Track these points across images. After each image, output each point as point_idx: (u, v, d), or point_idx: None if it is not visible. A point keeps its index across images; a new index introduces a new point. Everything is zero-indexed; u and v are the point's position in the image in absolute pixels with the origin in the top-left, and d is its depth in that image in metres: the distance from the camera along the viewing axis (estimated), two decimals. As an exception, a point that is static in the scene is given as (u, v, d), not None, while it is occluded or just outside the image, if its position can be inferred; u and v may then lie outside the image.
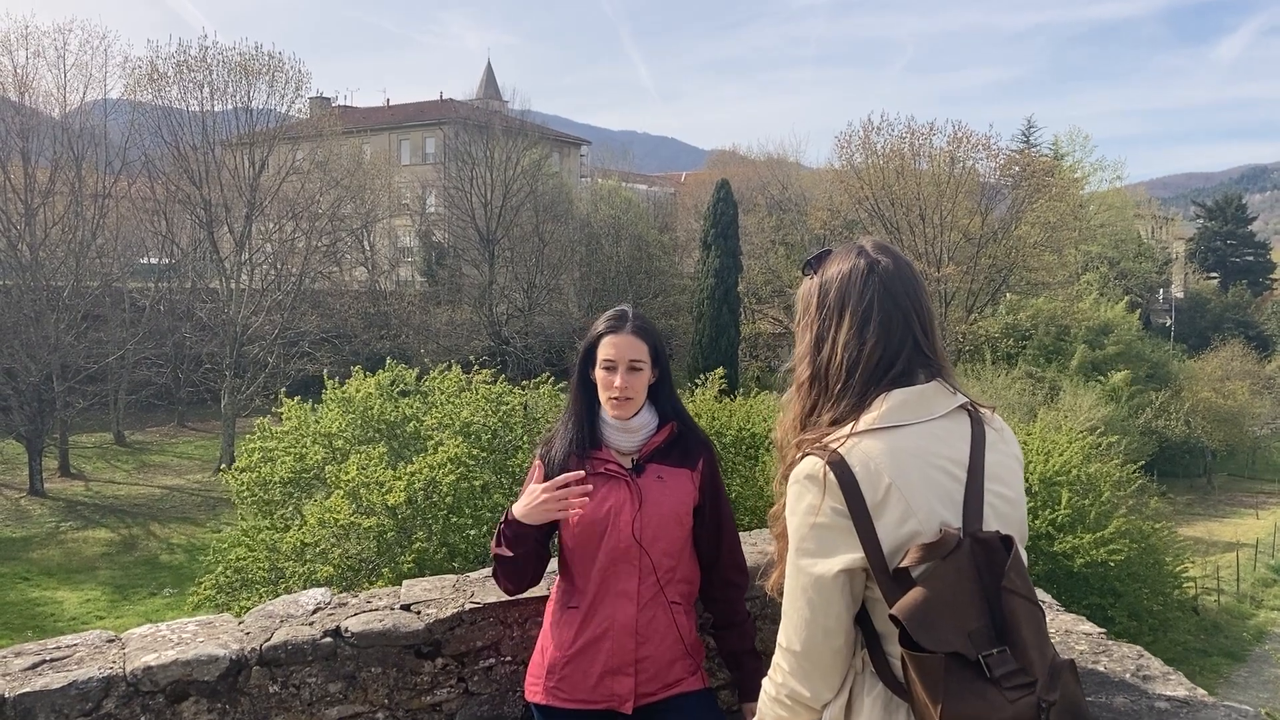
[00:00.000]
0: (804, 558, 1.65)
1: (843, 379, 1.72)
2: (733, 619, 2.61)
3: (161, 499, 30.69)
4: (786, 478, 1.75)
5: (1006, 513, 1.69)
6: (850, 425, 1.67)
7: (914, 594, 1.54)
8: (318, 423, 15.30)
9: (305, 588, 13.12)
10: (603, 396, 2.53)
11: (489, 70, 72.12)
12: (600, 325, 2.58)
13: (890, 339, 1.72)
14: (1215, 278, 75.40)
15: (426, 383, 16.86)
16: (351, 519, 12.83)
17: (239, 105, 37.94)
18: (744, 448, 17.33)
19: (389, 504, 12.86)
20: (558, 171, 52.78)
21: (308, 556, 13.23)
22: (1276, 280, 79.32)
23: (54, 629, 20.56)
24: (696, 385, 19.27)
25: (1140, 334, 44.73)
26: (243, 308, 35.03)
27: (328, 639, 2.39)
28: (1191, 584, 21.50)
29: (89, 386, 33.09)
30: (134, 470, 33.77)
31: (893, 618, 1.54)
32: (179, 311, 37.03)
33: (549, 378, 16.99)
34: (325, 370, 19.00)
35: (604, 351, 2.52)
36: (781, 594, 1.74)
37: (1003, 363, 35.64)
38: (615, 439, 2.54)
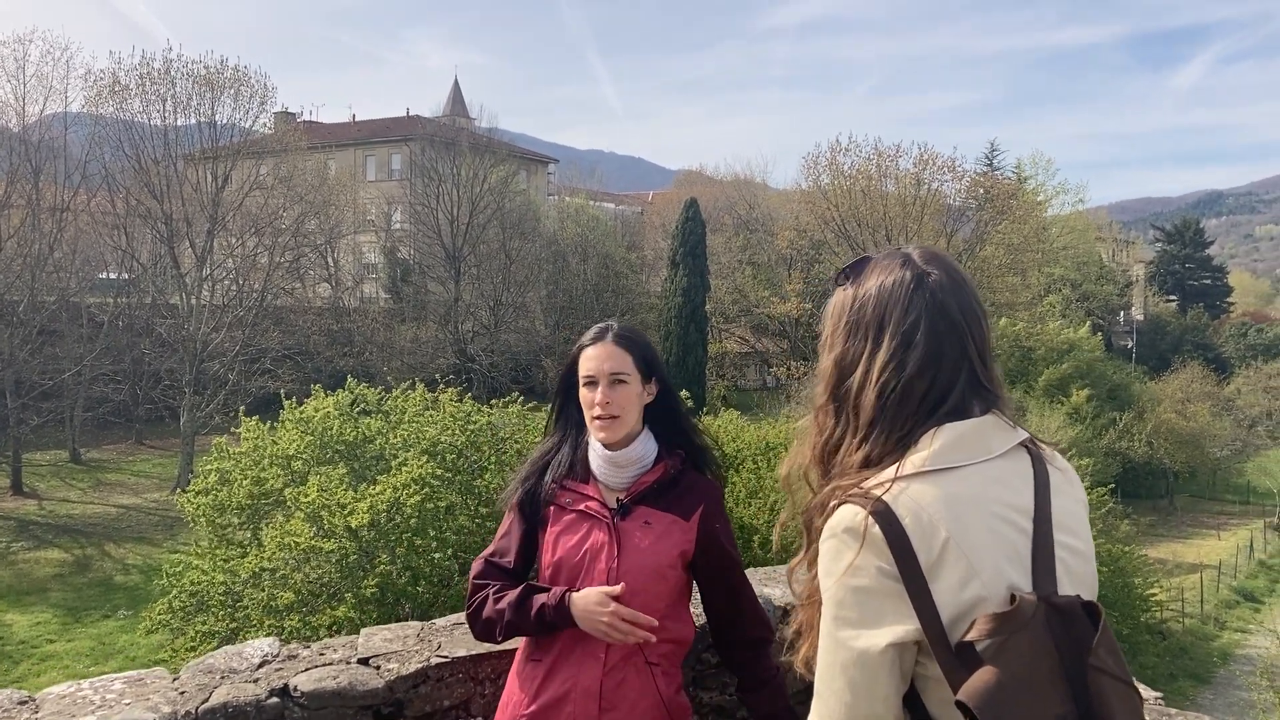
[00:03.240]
0: (844, 628, 1.37)
1: (874, 409, 1.46)
2: (762, 678, 2.31)
3: (117, 518, 29.96)
4: (810, 524, 1.49)
5: (1078, 570, 1.42)
6: (894, 467, 1.40)
7: (984, 675, 1.26)
8: (275, 444, 14.92)
9: (265, 613, 12.76)
10: (588, 418, 2.25)
11: (456, 87, 71.81)
12: (582, 340, 2.32)
13: (941, 366, 1.45)
14: (1174, 300, 76.40)
15: (390, 401, 16.53)
16: (312, 542, 12.46)
17: (202, 119, 37.39)
18: (713, 469, 17.13)
19: (351, 526, 12.51)
20: (525, 189, 52.50)
21: (266, 582, 12.85)
22: (1233, 303, 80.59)
23: (2, 653, 19.94)
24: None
25: (1103, 356, 45.09)
26: (203, 324, 34.39)
27: (274, 699, 2.12)
28: (1159, 607, 21.51)
29: (44, 403, 32.33)
30: (89, 489, 32.98)
31: (960, 704, 1.26)
32: (138, 327, 36.32)
33: (518, 396, 16.70)
34: (284, 389, 18.58)
35: (583, 366, 2.26)
36: (812, 671, 1.47)
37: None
38: (604, 474, 2.26)
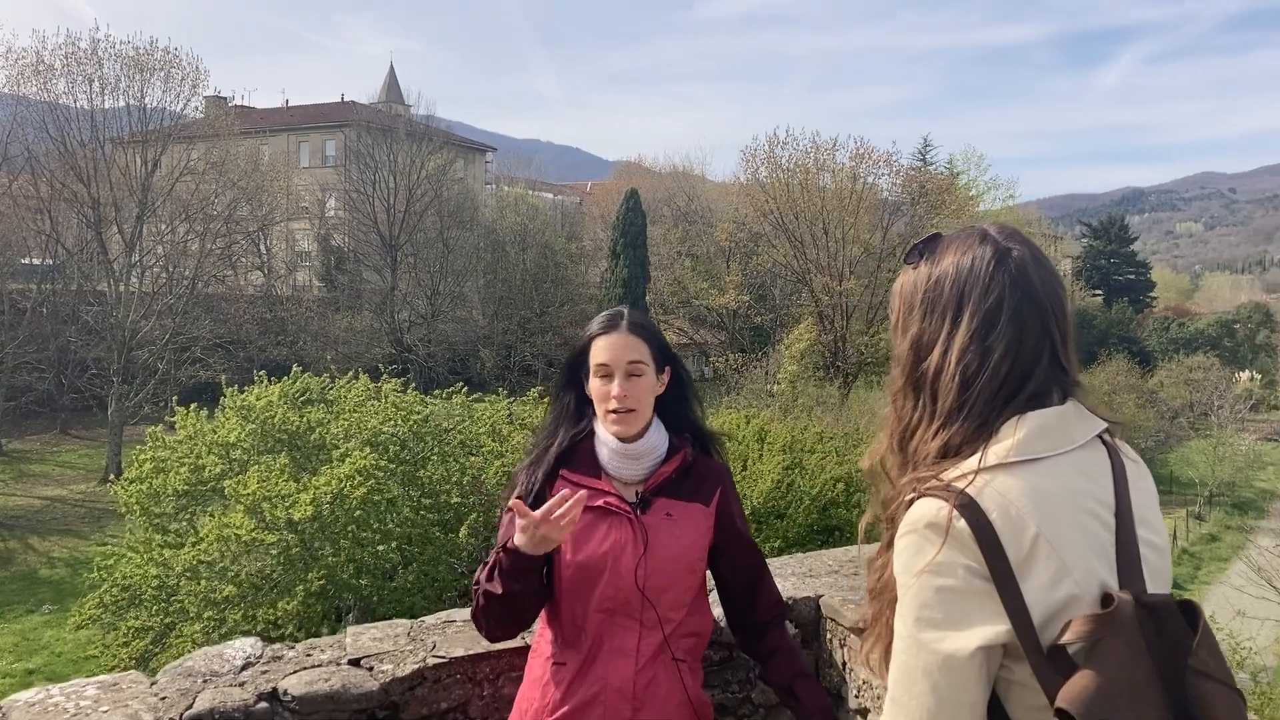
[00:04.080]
0: (928, 630, 1.28)
1: (955, 394, 1.36)
2: (778, 646, 2.25)
3: (42, 510, 29.09)
4: (892, 515, 1.40)
5: (1157, 566, 1.35)
6: (977, 457, 1.32)
7: (1083, 679, 1.18)
8: (214, 432, 14.58)
9: (203, 606, 12.46)
10: (600, 411, 2.15)
11: (391, 74, 70.81)
12: (591, 327, 2.21)
13: (1024, 349, 1.36)
14: (1100, 295, 78.05)
15: (332, 391, 16.26)
16: (253, 535, 12.18)
17: (132, 102, 36.39)
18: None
19: (294, 519, 12.26)
20: (462, 177, 51.98)
21: (204, 575, 12.55)
22: (1156, 298, 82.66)
23: (-81, 652, 19.23)
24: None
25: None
26: (132, 311, 33.51)
27: (263, 704, 1.99)
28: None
29: (-38, 392, 31.35)
30: (12, 480, 31.96)
31: (1060, 711, 1.19)
32: (63, 314, 35.29)
33: (461, 387, 16.52)
34: (223, 377, 18.19)
35: (597, 355, 2.14)
36: (876, 668, 1.40)
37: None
38: (616, 466, 2.14)
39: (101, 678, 2.04)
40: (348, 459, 13.31)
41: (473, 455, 15.09)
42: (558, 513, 1.91)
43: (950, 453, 1.36)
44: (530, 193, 54.38)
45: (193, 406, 15.11)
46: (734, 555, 2.22)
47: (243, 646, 2.19)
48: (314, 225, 48.93)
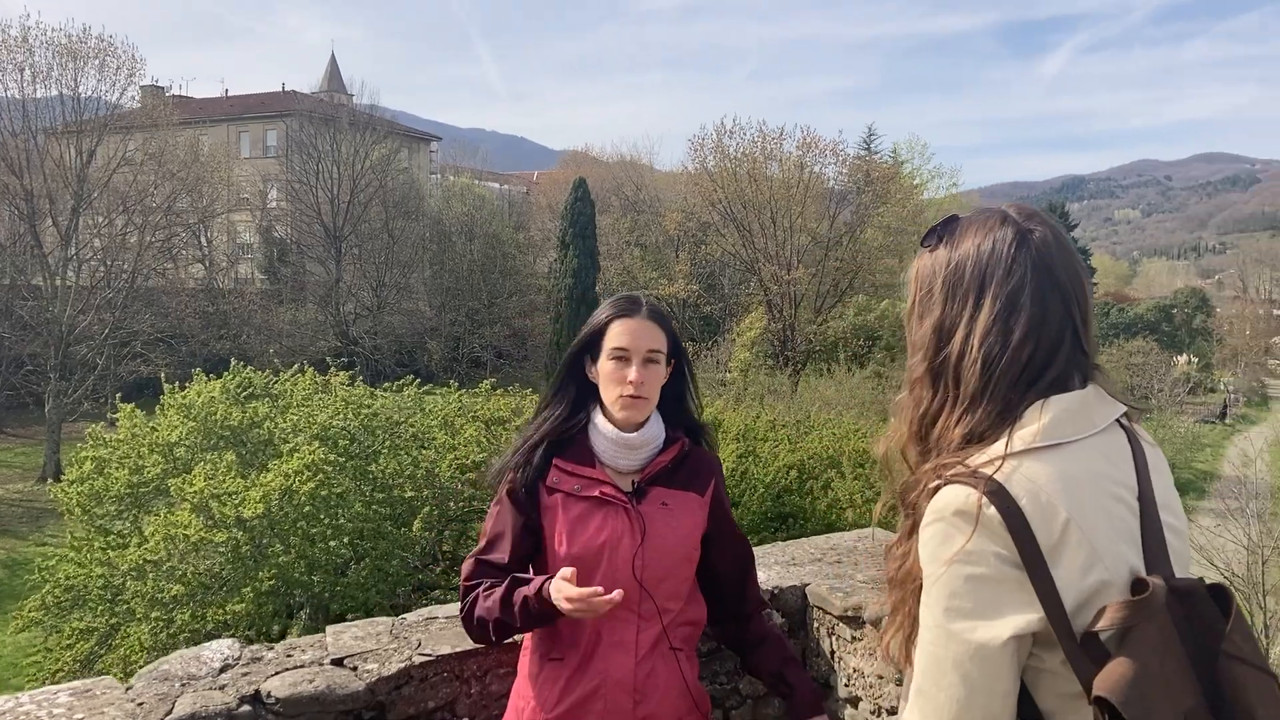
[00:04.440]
0: (958, 620, 1.25)
1: (978, 379, 1.34)
2: (765, 634, 2.25)
3: (-24, 511, 28.38)
4: (906, 501, 1.39)
5: (1179, 550, 1.34)
6: (1002, 442, 1.30)
7: (1120, 667, 1.16)
8: (154, 430, 14.28)
9: (150, 606, 12.20)
10: (609, 395, 2.10)
11: (333, 63, 69.93)
12: (606, 310, 2.16)
13: (1046, 331, 1.35)
14: (1042, 281, 79.47)
15: (277, 385, 16.00)
16: (202, 534, 11.95)
17: (65, 91, 35.51)
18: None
19: (243, 516, 12.04)
20: (407, 167, 51.43)
21: (151, 574, 12.29)
22: (1096, 284, 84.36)
23: None
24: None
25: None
26: (69, 306, 32.75)
27: (246, 707, 1.93)
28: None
29: (-110, 390, 30.48)
30: (-56, 480, 31.17)
31: (1100, 700, 1.16)
32: (-4, 309, 34.47)
33: (413, 379, 16.35)
34: (163, 373, 17.82)
35: (614, 339, 2.10)
36: (898, 658, 1.37)
37: (854, 362, 36.42)
38: (612, 456, 2.11)
39: (74, 684, 1.96)
40: (296, 454, 13.10)
41: (425, 448, 14.94)
42: (599, 600, 1.89)
43: (974, 439, 1.34)
44: (476, 182, 53.96)
45: (131, 407, 14.78)
46: (726, 546, 2.21)
47: (220, 648, 2.12)
48: (256, 217, 48.15)
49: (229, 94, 60.65)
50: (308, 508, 12.54)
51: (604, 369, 2.11)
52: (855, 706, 2.48)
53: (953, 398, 1.38)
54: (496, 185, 62.51)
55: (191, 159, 41.69)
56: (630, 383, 2.06)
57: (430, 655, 2.14)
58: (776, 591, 2.61)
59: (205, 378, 15.19)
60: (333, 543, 12.92)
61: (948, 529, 1.27)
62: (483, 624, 2.05)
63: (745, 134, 43.48)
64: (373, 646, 2.18)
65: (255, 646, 2.16)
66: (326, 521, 12.88)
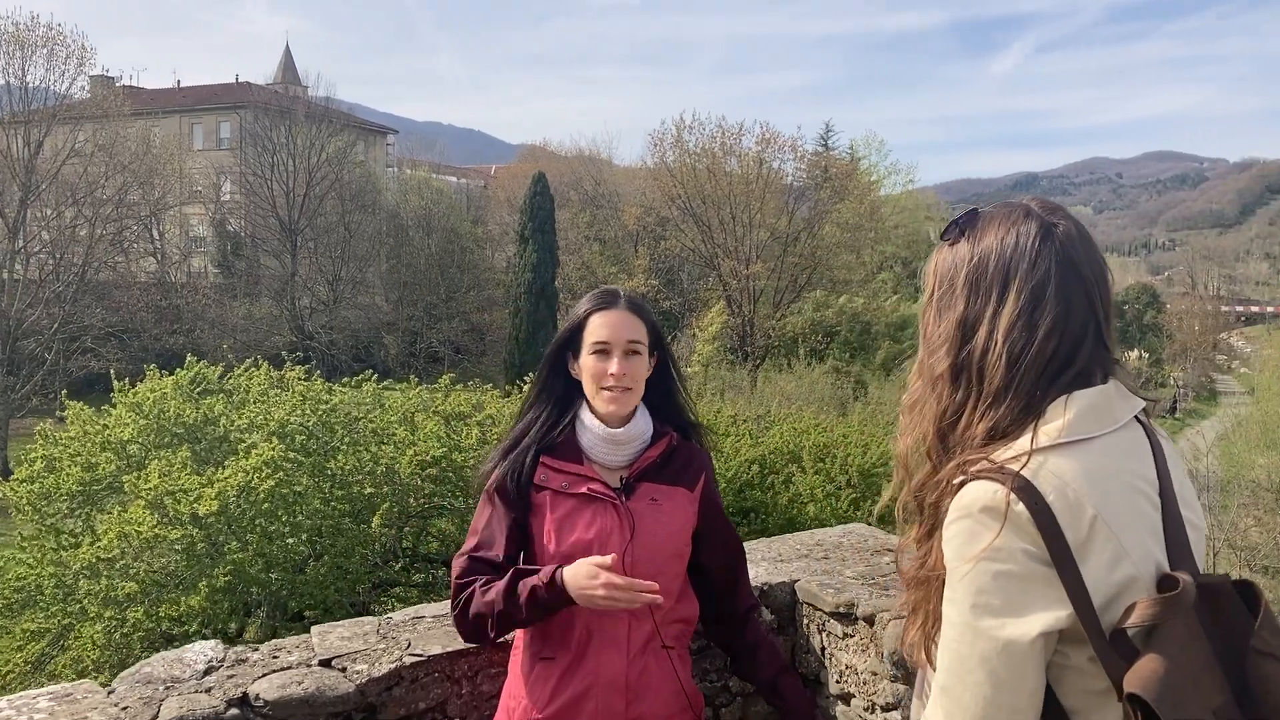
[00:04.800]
0: (985, 617, 1.24)
1: (1002, 375, 1.33)
2: (759, 640, 2.23)
3: (-81, 510, 27.73)
4: (921, 501, 1.38)
5: (1198, 546, 1.34)
6: (1027, 438, 1.29)
7: (1150, 663, 1.16)
8: (106, 428, 14.03)
9: (103, 605, 12.00)
10: (593, 389, 2.08)
11: (287, 54, 69.00)
12: (585, 304, 2.14)
13: (1070, 326, 1.34)
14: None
15: (231, 380, 15.78)
16: (156, 531, 11.77)
17: (12, 80, 34.88)
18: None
19: (199, 513, 11.87)
20: (363, 160, 50.95)
21: (104, 573, 12.08)
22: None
23: None
24: (523, 382, 18.76)
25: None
26: (16, 300, 32.17)
27: (234, 710, 1.89)
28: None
29: None
30: (-113, 478, 30.44)
31: (1132, 697, 1.16)
32: (-60, 303, 33.76)
33: (372, 374, 16.19)
34: (113, 368, 17.52)
35: (594, 332, 2.08)
36: (917, 656, 1.36)
37: (812, 357, 36.64)
38: (600, 452, 2.08)
39: (53, 688, 1.91)
40: (255, 451, 12.93)
41: (384, 444, 14.80)
42: (629, 590, 1.88)
43: (998, 435, 1.33)
44: (434, 176, 53.57)
45: (80, 405, 14.51)
46: (717, 542, 2.19)
47: (203, 650, 2.07)
48: (209, 210, 47.50)
49: (181, 85, 59.73)
50: (266, 505, 12.38)
51: (586, 364, 2.09)
52: (847, 703, 2.47)
53: (976, 394, 1.36)
54: (454, 179, 62.10)
55: (143, 151, 41.10)
56: (612, 375, 2.05)
57: (421, 655, 2.11)
58: (765, 588, 2.59)
59: (159, 373, 14.94)
60: (291, 540, 12.79)
61: (974, 525, 1.26)
62: (480, 619, 2.01)
63: (705, 129, 43.65)
64: (360, 647, 2.14)
65: (239, 648, 2.11)
66: (285, 519, 12.74)
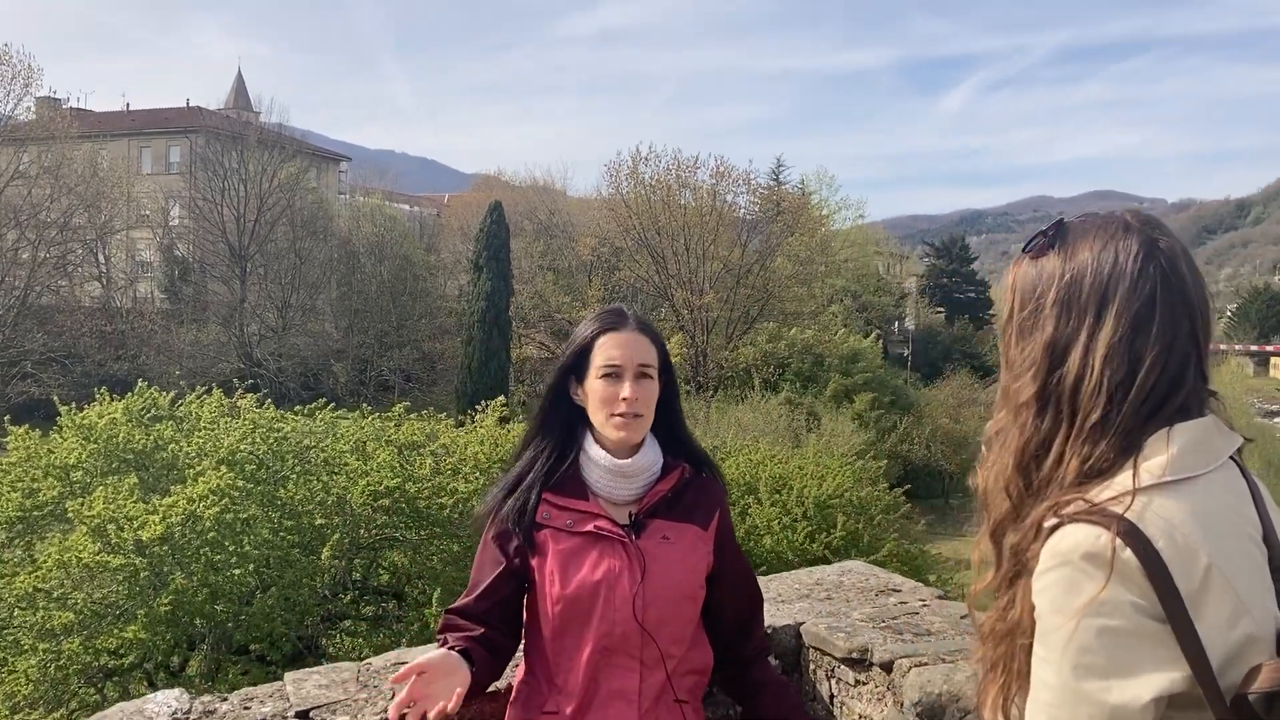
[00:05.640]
0: (1089, 679, 1.11)
1: (1101, 406, 1.20)
2: (766, 679, 2.08)
3: None
4: (1020, 546, 1.23)
5: None
6: (1127, 475, 1.16)
7: None
8: (50, 454, 13.66)
9: (39, 637, 11.60)
10: (601, 416, 1.93)
11: (240, 79, 68.50)
12: (591, 326, 1.99)
13: (1173, 355, 1.21)
14: (943, 311, 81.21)
15: (182, 407, 15.47)
16: (97, 558, 11.42)
17: (-45, 100, 34.26)
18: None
19: (142, 540, 11.54)
20: (316, 187, 50.57)
21: (40, 603, 11.69)
22: (994, 315, 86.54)
23: None
24: (477, 411, 18.53)
25: (883, 363, 47.47)
26: (-46, 323, 31.45)
27: (204, 767, 1.73)
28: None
29: None
30: None
31: None
32: (-125, 326, 32.92)
33: (327, 403, 15.96)
34: (55, 394, 17.10)
35: (603, 355, 1.93)
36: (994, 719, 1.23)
37: (766, 389, 36.74)
38: (606, 486, 1.93)
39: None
40: (202, 479, 12.64)
41: (335, 474, 14.55)
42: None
43: (1093, 474, 1.20)
44: (387, 204, 53.28)
45: (25, 428, 14.13)
46: (733, 586, 2.04)
47: (166, 700, 1.91)
48: (157, 234, 46.80)
49: (130, 108, 58.96)
50: (212, 534, 12.08)
51: (593, 388, 1.94)
52: (857, 753, 2.37)
53: (1068, 425, 1.24)
54: (407, 207, 61.82)
55: (90, 173, 40.51)
56: (625, 400, 1.90)
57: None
58: (770, 631, 2.47)
59: (109, 397, 14.62)
60: (238, 570, 12.47)
61: (1074, 575, 1.13)
62: None
63: (660, 161, 43.87)
64: (340, 696, 1.99)
65: (206, 698, 1.96)
66: (232, 548, 12.43)
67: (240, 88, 66.77)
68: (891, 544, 16.75)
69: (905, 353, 69.22)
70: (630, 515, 1.94)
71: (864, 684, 2.36)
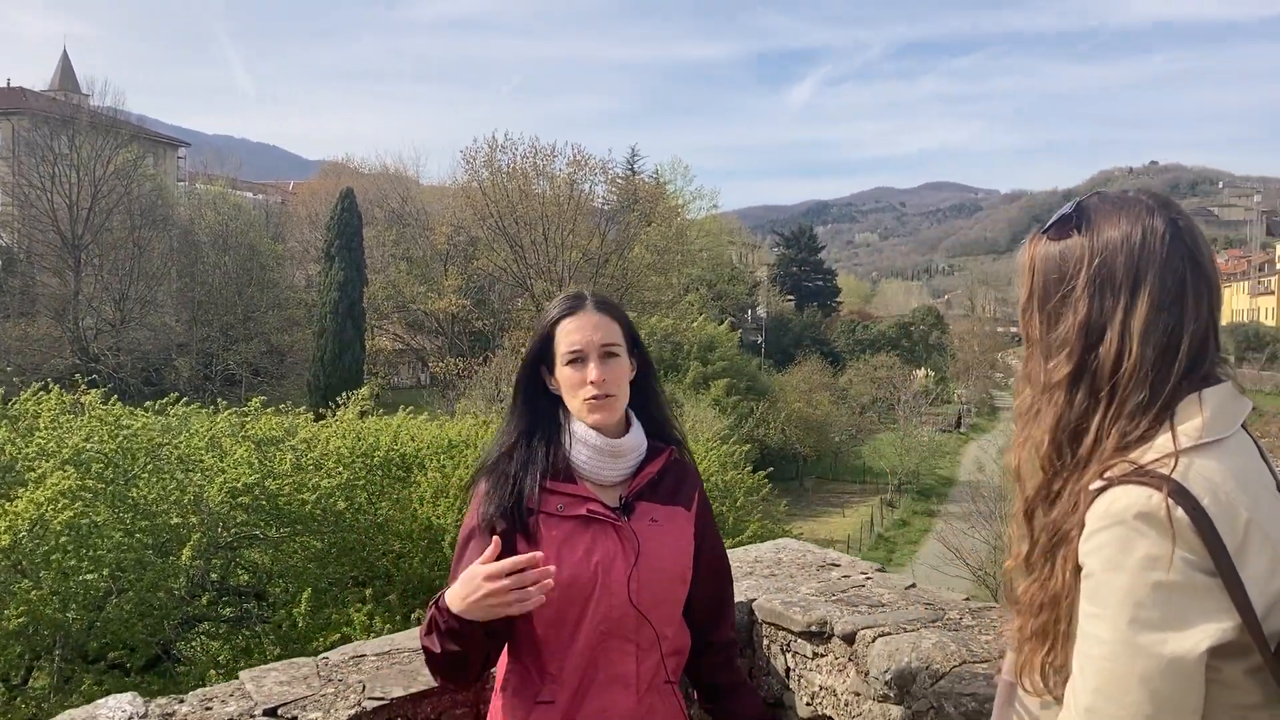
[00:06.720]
0: (1145, 632, 1.16)
1: (1137, 380, 1.26)
2: (739, 681, 2.06)
3: None
4: (1032, 516, 1.29)
5: None
6: (1167, 437, 1.22)
7: None
8: None
9: None
10: (575, 402, 1.90)
11: (65, 59, 64.83)
12: (552, 312, 1.95)
13: (1198, 328, 1.28)
14: (793, 300, 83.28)
15: (17, 405, 14.57)
16: (-67, 572, 10.67)
17: None
18: (393, 469, 16.40)
19: (-16, 550, 10.83)
20: (154, 174, 48.27)
21: None
22: (842, 303, 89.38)
23: None
24: (336, 405, 18.01)
25: (739, 351, 48.34)
26: None
27: (174, 775, 1.61)
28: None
29: None
30: None
31: None
32: None
33: (180, 398, 15.28)
34: None
35: (566, 340, 1.90)
36: (1034, 688, 1.27)
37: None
38: (594, 468, 1.89)
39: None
40: (48, 481, 11.92)
41: (190, 471, 13.95)
42: (511, 579, 1.61)
43: (1131, 445, 1.26)
44: (230, 191, 51.27)
45: None
46: (709, 566, 2.02)
47: (119, 704, 1.78)
48: (-23, 223, 43.91)
49: (-57, 88, 55.05)
50: (63, 539, 11.42)
51: (562, 376, 1.91)
52: (818, 724, 2.38)
53: (1107, 402, 1.29)
54: (251, 194, 59.65)
55: (-100, 157, 37.64)
56: (592, 383, 1.87)
57: (383, 699, 1.88)
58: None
59: (-69, 397, 13.66)
60: (90, 575, 11.83)
61: (1128, 533, 1.18)
62: (432, 661, 1.78)
63: (518, 149, 43.53)
64: (305, 692, 1.89)
65: (162, 700, 1.83)
66: (84, 553, 11.78)
67: (66, 68, 63.20)
68: (755, 525, 17.05)
69: (759, 340, 70.64)
70: (620, 498, 1.92)
71: (822, 656, 2.38)
